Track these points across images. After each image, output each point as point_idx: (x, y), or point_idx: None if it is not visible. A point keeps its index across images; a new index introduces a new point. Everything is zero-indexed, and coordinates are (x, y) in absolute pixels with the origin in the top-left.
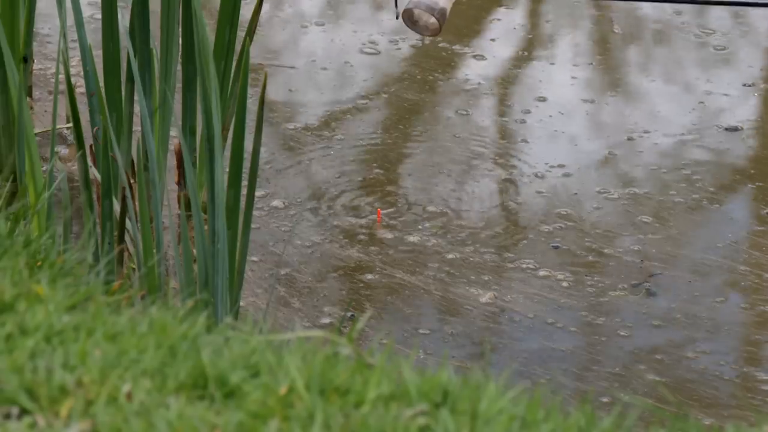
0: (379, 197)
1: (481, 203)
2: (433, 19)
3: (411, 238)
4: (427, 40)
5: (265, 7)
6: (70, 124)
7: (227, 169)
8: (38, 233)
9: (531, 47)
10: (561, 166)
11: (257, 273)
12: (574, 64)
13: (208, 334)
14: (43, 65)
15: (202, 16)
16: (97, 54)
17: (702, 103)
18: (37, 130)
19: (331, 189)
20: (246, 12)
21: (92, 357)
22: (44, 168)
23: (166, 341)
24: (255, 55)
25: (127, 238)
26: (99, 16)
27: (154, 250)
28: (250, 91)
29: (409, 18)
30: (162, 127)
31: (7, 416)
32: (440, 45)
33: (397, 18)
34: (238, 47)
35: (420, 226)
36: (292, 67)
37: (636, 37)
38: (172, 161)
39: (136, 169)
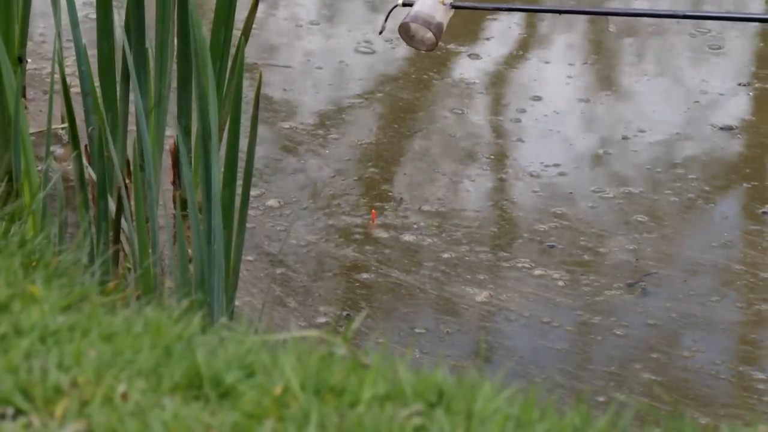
0: (374, 196)
1: (476, 202)
2: (429, 34)
3: (406, 237)
4: None
5: (261, 6)
6: (65, 124)
7: (222, 169)
8: (33, 233)
9: (526, 46)
10: (556, 165)
11: (253, 273)
12: (569, 64)
13: (203, 335)
14: (38, 65)
15: (197, 16)
16: (92, 54)
17: (696, 102)
18: (32, 130)
19: (327, 188)
20: (242, 11)
21: (87, 357)
22: (39, 168)
23: (162, 341)
24: (250, 55)
25: (122, 238)
26: (94, 15)
27: (150, 250)
28: (245, 90)
29: (405, 32)
30: (157, 126)
31: (2, 416)
32: None
33: (380, 33)
34: (233, 47)
35: (415, 226)
36: (288, 67)
37: (631, 37)
38: (167, 161)
39: (131, 168)
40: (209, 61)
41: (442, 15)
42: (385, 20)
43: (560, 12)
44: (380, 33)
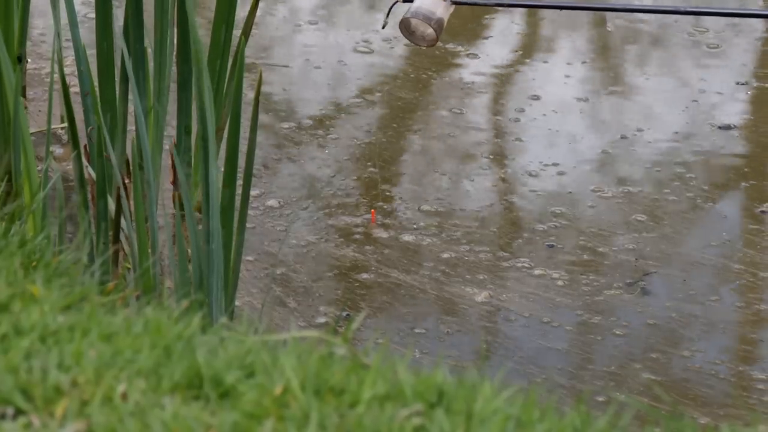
0: (373, 196)
1: (476, 202)
2: (430, 30)
3: (406, 237)
4: None
5: (260, 6)
6: (65, 124)
7: (222, 169)
8: (33, 233)
9: (525, 46)
10: (555, 164)
11: (253, 273)
12: (567, 63)
13: (203, 335)
14: (38, 65)
15: (194, 17)
16: (91, 53)
17: (695, 101)
18: (32, 130)
19: (326, 188)
20: (242, 11)
21: (87, 357)
22: (39, 168)
23: (161, 341)
24: (250, 55)
25: (122, 237)
26: (93, 15)
27: (150, 250)
28: (245, 90)
29: (405, 28)
30: (157, 126)
31: (2, 416)
32: None
33: (383, 27)
34: (234, 46)
35: (415, 225)
36: (287, 66)
37: (630, 36)
38: (167, 161)
39: (131, 168)
40: (206, 66)
41: (442, 11)
42: (387, 15)
43: (561, 8)
44: (383, 27)
